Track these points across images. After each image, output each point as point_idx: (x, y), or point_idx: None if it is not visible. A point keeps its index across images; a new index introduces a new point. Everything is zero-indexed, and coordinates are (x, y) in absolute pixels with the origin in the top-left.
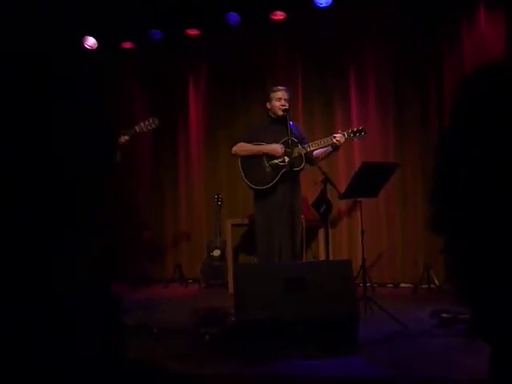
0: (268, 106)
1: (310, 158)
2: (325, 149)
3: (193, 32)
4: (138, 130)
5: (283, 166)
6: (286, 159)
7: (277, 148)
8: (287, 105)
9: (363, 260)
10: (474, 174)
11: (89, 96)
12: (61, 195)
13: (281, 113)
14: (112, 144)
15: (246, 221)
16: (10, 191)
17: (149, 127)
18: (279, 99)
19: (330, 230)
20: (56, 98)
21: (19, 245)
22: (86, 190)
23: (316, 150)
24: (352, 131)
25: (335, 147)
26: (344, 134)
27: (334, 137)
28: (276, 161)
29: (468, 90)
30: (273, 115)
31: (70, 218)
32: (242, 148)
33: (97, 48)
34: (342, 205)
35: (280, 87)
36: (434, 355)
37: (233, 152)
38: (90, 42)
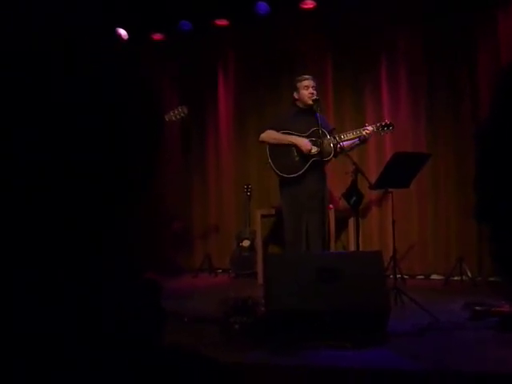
0: (295, 95)
1: (337, 150)
2: (352, 141)
3: (222, 22)
4: (167, 120)
5: (313, 156)
6: (315, 149)
7: (306, 143)
8: (315, 93)
9: (394, 251)
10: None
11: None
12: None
13: (310, 101)
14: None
15: (275, 211)
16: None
17: (178, 116)
18: (306, 87)
19: (360, 220)
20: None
21: (60, 236)
22: (133, 184)
23: (345, 141)
24: (380, 125)
25: (363, 140)
26: (373, 128)
27: (365, 129)
28: (314, 150)
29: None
30: (301, 105)
31: (111, 210)
32: (271, 136)
33: (127, 40)
34: (372, 195)
35: (306, 76)
36: (466, 348)
37: (261, 139)
38: (121, 33)
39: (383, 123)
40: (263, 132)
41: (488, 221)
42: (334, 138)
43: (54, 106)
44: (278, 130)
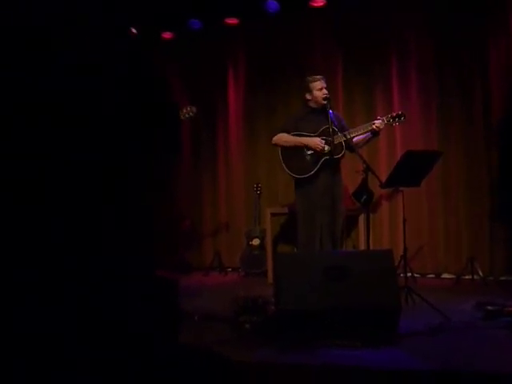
0: (308, 96)
1: (350, 145)
2: (364, 135)
3: (232, 21)
4: None
5: (324, 155)
6: (327, 147)
7: (317, 143)
8: (327, 92)
9: (405, 249)
10: None
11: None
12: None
13: (324, 101)
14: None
15: (286, 210)
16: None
17: (187, 115)
18: (320, 89)
19: (370, 219)
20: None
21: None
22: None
23: (356, 136)
24: (391, 116)
25: (375, 133)
26: (383, 120)
27: (374, 123)
28: (326, 148)
29: None
30: (314, 105)
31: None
32: (283, 139)
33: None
34: (382, 194)
35: (317, 76)
36: (478, 348)
37: (273, 142)
38: (131, 32)
39: (394, 114)
40: (275, 134)
41: (505, 221)
42: (344, 134)
43: (71, 109)
44: (289, 132)
